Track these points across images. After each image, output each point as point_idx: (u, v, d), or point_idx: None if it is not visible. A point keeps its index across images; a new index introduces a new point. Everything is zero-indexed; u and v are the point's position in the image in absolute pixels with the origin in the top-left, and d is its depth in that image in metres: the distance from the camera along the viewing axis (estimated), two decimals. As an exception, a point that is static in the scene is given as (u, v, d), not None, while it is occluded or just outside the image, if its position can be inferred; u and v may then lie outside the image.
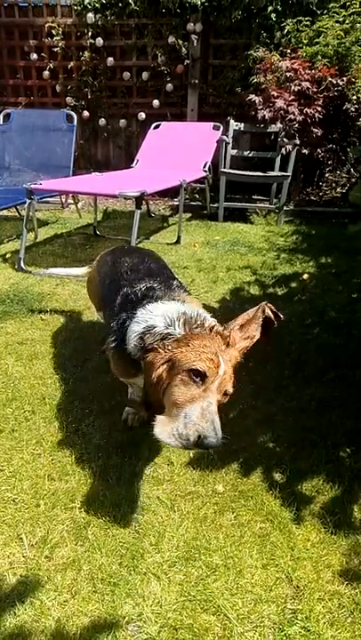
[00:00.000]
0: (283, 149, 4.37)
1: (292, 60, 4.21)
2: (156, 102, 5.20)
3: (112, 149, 5.69)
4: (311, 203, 5.06)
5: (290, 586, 1.09)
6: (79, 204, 4.62)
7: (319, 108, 4.15)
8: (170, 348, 1.04)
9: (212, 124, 4.55)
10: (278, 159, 4.64)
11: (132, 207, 3.26)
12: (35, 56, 5.35)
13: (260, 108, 4.24)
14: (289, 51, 4.45)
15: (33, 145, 4.24)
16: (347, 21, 4.17)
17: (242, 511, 1.28)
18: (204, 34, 4.92)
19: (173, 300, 1.26)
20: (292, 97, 4.15)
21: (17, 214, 4.40)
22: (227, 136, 4.60)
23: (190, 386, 0.99)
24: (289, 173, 4.33)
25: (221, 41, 5.00)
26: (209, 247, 3.63)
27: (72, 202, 4.56)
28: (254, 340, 1.12)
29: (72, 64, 5.29)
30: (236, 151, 4.84)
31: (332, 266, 3.21)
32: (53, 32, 5.17)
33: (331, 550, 1.17)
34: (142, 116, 5.26)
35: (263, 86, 4.28)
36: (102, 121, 5.38)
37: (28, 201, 3.09)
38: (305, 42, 4.38)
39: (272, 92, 4.16)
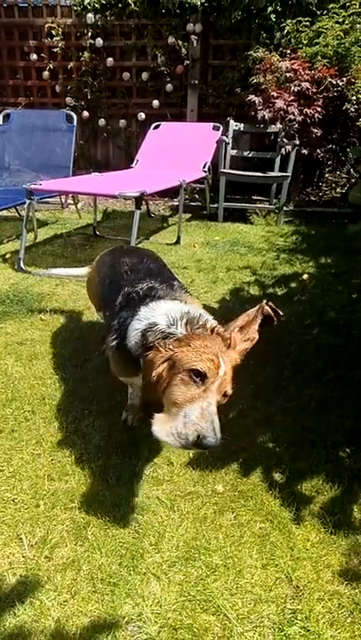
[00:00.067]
0: (282, 150, 4.38)
1: (292, 61, 4.22)
2: (155, 103, 5.20)
3: (112, 150, 5.70)
4: (311, 203, 5.06)
5: (290, 586, 1.09)
6: (79, 205, 4.63)
7: (319, 109, 4.15)
8: (171, 346, 1.04)
9: (211, 124, 4.55)
10: (278, 159, 4.64)
11: (132, 207, 3.26)
12: (34, 56, 5.35)
13: (259, 108, 4.24)
14: (289, 51, 4.45)
15: (33, 145, 4.24)
16: (346, 22, 4.17)
17: (242, 511, 1.28)
18: (203, 34, 4.92)
19: (175, 299, 1.27)
20: (292, 97, 4.15)
21: (17, 215, 4.40)
22: (226, 136, 4.60)
23: (190, 386, 0.99)
24: (289, 174, 4.33)
25: (221, 41, 5.00)
26: (209, 247, 3.63)
27: (72, 202, 4.56)
28: (254, 341, 1.13)
29: (72, 64, 5.29)
30: (235, 151, 4.84)
31: (331, 266, 3.21)
32: (53, 32, 5.17)
33: (330, 550, 1.17)
34: (142, 116, 5.26)
35: (263, 87, 4.28)
36: (102, 121, 5.38)
37: (27, 201, 3.09)
38: (305, 42, 4.39)
39: (272, 93, 4.16)
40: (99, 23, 5.03)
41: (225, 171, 4.42)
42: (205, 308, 1.31)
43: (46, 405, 1.68)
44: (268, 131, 4.64)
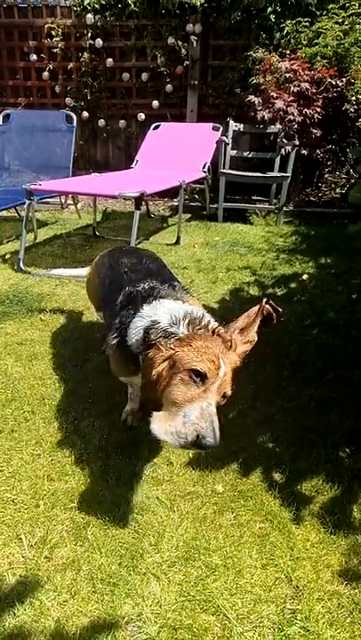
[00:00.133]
0: (282, 150, 4.38)
1: (292, 61, 4.22)
2: (155, 103, 5.20)
3: (111, 150, 5.70)
4: (311, 203, 5.06)
5: (289, 586, 1.09)
6: (79, 205, 4.63)
7: (318, 109, 4.15)
8: (172, 346, 1.05)
9: (211, 124, 4.55)
10: (278, 160, 4.65)
11: (132, 208, 3.26)
12: (34, 57, 5.35)
13: (259, 108, 4.24)
14: (288, 52, 4.45)
15: (32, 146, 4.24)
16: (346, 22, 4.17)
17: (241, 511, 1.28)
18: (203, 35, 4.93)
19: (178, 299, 1.27)
20: (292, 98, 4.15)
21: (16, 215, 4.40)
22: (226, 137, 4.60)
23: (190, 386, 0.99)
24: (288, 174, 4.33)
25: (221, 42, 5.00)
26: (208, 248, 3.63)
27: (71, 202, 4.56)
28: (253, 344, 1.13)
29: (71, 65, 5.30)
30: (235, 152, 4.84)
31: (331, 266, 3.21)
32: (53, 33, 5.17)
33: (330, 550, 1.17)
34: (142, 116, 5.26)
35: (263, 87, 4.28)
36: (102, 122, 5.38)
37: (27, 202, 3.09)
38: (304, 43, 4.39)
39: (271, 93, 4.16)
40: (98, 24, 5.03)
41: (225, 171, 4.42)
42: (205, 308, 1.32)
43: (46, 405, 1.68)
44: (268, 131, 4.64)
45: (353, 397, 1.77)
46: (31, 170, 4.14)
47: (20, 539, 1.17)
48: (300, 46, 4.41)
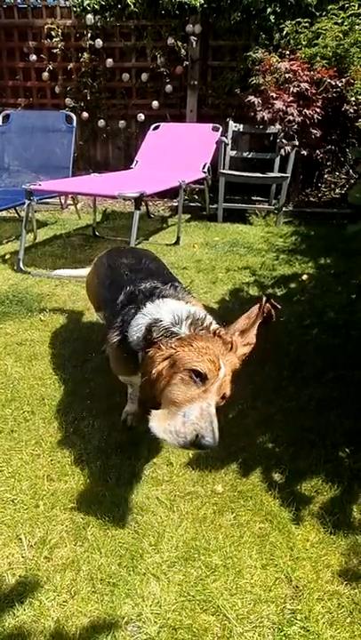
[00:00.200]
0: (282, 150, 4.38)
1: (291, 62, 4.23)
2: (155, 103, 5.21)
3: (111, 150, 5.70)
4: (310, 204, 5.06)
5: (289, 586, 1.09)
6: (78, 205, 4.63)
7: (318, 110, 4.16)
8: (172, 345, 1.05)
9: (211, 125, 4.55)
10: (277, 160, 4.65)
11: (132, 208, 3.27)
12: (34, 57, 5.36)
13: (259, 109, 4.25)
14: (288, 52, 4.46)
15: (32, 146, 4.24)
16: (345, 23, 4.18)
17: (241, 511, 1.28)
18: (203, 35, 4.93)
19: (180, 300, 1.27)
20: (291, 98, 4.16)
21: (16, 215, 4.40)
22: (226, 137, 4.61)
23: (190, 385, 0.99)
24: (288, 174, 4.34)
25: (220, 42, 5.01)
26: (208, 248, 3.63)
27: (71, 203, 4.56)
28: (252, 346, 1.14)
29: (71, 65, 5.30)
30: (235, 152, 4.84)
31: (331, 267, 3.21)
32: (53, 33, 5.18)
33: (330, 550, 1.17)
34: (141, 117, 5.27)
35: (262, 87, 4.29)
36: (101, 122, 5.39)
37: (27, 202, 3.09)
38: (304, 43, 4.39)
39: (271, 94, 4.17)
40: (98, 24, 5.03)
41: (224, 171, 4.43)
42: (205, 308, 1.32)
43: (46, 406, 1.68)
44: (268, 131, 4.64)
45: (353, 397, 1.77)
46: (31, 170, 4.14)
47: (20, 539, 1.17)
48: (299, 47, 4.42)
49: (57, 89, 5.44)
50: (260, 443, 1.53)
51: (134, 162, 4.51)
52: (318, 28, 4.27)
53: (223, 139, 4.50)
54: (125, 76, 5.24)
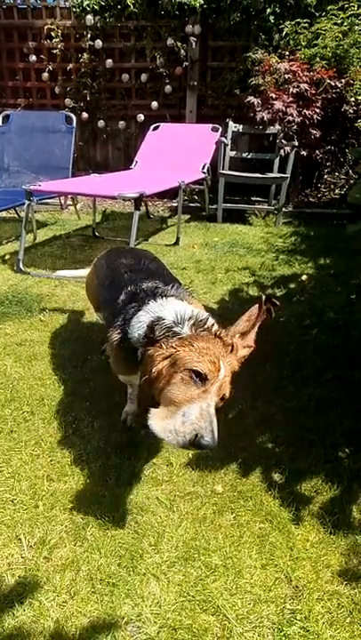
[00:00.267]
0: (281, 151, 4.38)
1: (291, 62, 4.23)
2: (154, 104, 5.21)
3: (111, 151, 5.70)
4: (310, 204, 5.07)
5: (289, 586, 1.09)
6: (78, 206, 4.63)
7: (318, 110, 4.16)
8: (173, 345, 1.05)
9: (210, 125, 4.55)
10: (277, 161, 4.65)
11: (131, 208, 3.26)
12: (34, 58, 5.36)
13: (258, 109, 4.25)
14: (287, 53, 4.46)
15: (32, 146, 4.24)
16: (345, 24, 4.18)
17: (241, 511, 1.28)
18: (202, 36, 4.93)
19: (182, 300, 1.27)
20: (291, 99, 4.16)
21: (16, 216, 4.40)
22: (225, 137, 4.61)
23: (190, 385, 1.00)
24: (288, 175, 4.34)
25: (220, 43, 5.01)
26: (208, 248, 3.64)
27: (71, 203, 4.56)
28: (252, 349, 1.14)
29: (71, 66, 5.30)
30: (234, 153, 4.85)
31: (330, 267, 3.21)
32: (52, 34, 5.18)
33: (330, 550, 1.17)
34: (141, 117, 5.27)
35: (262, 88, 4.29)
36: (101, 122, 5.39)
37: (27, 202, 3.09)
38: (303, 44, 4.40)
39: (271, 94, 4.17)
40: (98, 25, 5.04)
41: (224, 172, 4.43)
42: (205, 308, 1.32)
43: (45, 406, 1.68)
44: (267, 132, 4.65)
45: (352, 397, 1.77)
46: (31, 171, 4.14)
47: (20, 539, 1.17)
48: (299, 47, 4.42)
49: (57, 89, 5.44)
50: (259, 443, 1.53)
51: (134, 162, 4.51)
52: (318, 29, 4.27)
53: (223, 139, 4.51)
54: (125, 76, 5.24)
